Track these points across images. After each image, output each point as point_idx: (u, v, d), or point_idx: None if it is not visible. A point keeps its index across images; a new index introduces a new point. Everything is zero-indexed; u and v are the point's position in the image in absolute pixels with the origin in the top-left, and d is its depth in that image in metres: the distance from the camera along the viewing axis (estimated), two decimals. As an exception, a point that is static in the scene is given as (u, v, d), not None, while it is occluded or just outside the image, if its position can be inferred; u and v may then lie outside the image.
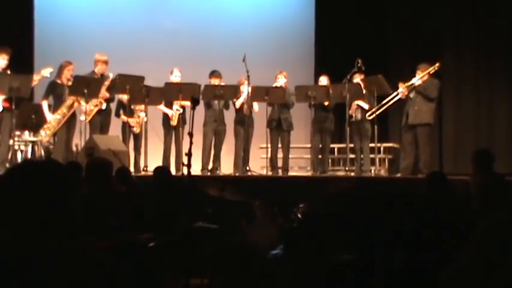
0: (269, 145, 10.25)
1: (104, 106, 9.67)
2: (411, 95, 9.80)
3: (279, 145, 10.43)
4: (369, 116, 10.03)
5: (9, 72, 9.14)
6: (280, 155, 10.49)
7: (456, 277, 2.79)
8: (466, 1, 12.13)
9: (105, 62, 9.81)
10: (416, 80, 9.76)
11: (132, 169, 9.18)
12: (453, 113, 11.91)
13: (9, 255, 1.69)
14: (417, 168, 9.75)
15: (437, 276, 2.95)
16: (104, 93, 9.60)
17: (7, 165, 9.07)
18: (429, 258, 3.80)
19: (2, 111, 9.04)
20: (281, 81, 10.27)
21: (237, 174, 9.97)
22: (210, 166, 10.21)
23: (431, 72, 9.82)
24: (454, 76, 11.86)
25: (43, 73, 9.29)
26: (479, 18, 12.00)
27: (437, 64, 9.83)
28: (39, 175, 1.79)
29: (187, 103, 9.37)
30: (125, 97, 9.82)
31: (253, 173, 10.05)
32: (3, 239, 1.72)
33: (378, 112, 9.94)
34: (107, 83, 9.66)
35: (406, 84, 9.78)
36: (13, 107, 9.00)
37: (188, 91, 9.28)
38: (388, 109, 10.15)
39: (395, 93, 9.88)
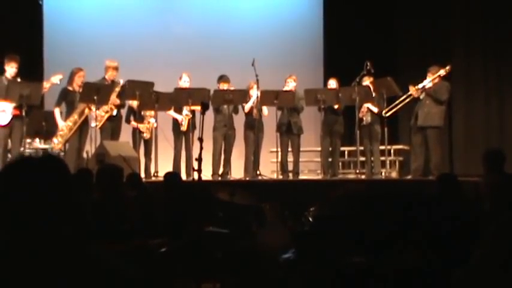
0: (279, 149, 10.24)
1: (114, 112, 9.68)
2: (421, 97, 9.78)
3: (289, 149, 10.42)
4: (386, 113, 9.95)
5: (19, 80, 9.21)
6: (290, 158, 10.48)
7: (469, 278, 2.78)
8: (475, 3, 12.08)
9: (116, 68, 9.82)
10: (427, 83, 9.74)
11: (142, 175, 9.19)
12: (463, 114, 11.86)
13: (18, 259, 1.69)
14: (428, 170, 9.72)
15: (449, 278, 2.94)
16: (114, 99, 9.62)
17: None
18: (441, 259, 3.79)
19: (12, 119, 9.08)
20: (291, 85, 10.26)
21: (247, 179, 9.97)
22: (221, 171, 10.21)
23: (442, 75, 9.80)
24: (463, 78, 11.80)
25: (53, 80, 9.34)
26: (488, 19, 11.94)
27: (448, 67, 9.81)
28: (38, 171, 1.75)
29: (197, 108, 9.39)
30: (134, 103, 9.85)
31: (264, 177, 10.05)
32: (13, 242, 1.70)
33: (394, 109, 9.93)
34: (117, 89, 9.68)
35: (416, 87, 9.76)
36: (23, 114, 9.06)
37: (197, 96, 9.30)
38: (398, 110, 10.12)
39: (407, 95, 9.88)
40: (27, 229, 1.70)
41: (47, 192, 1.72)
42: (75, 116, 9.42)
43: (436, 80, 9.77)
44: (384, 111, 9.97)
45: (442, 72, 9.78)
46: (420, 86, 9.77)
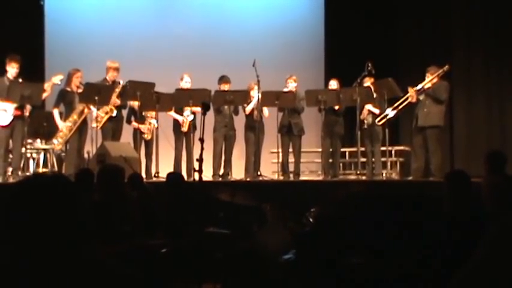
0: (280, 150, 10.24)
1: (114, 113, 9.68)
2: (421, 98, 9.78)
3: (290, 150, 10.42)
4: (379, 121, 10.00)
5: (20, 80, 9.21)
6: (291, 159, 10.48)
7: (468, 279, 2.78)
8: (475, 4, 12.08)
9: (117, 69, 9.83)
10: (426, 83, 9.74)
11: (143, 175, 9.19)
12: (464, 115, 11.86)
13: (21, 267, 1.70)
14: (428, 171, 9.71)
15: (449, 279, 2.93)
16: (115, 100, 9.63)
17: (19, 173, 9.13)
18: (442, 260, 3.78)
19: (13, 120, 9.08)
20: (291, 86, 10.26)
21: (248, 179, 9.97)
22: (221, 171, 10.21)
23: (440, 75, 9.80)
24: (464, 78, 11.81)
25: (54, 80, 9.36)
26: (489, 19, 11.94)
27: (446, 66, 9.81)
28: (47, 188, 1.79)
29: (198, 109, 9.39)
30: (135, 104, 9.85)
31: (265, 178, 10.04)
32: (14, 251, 1.73)
33: (387, 117, 9.93)
34: (117, 89, 9.68)
35: (415, 88, 9.76)
36: (26, 114, 9.08)
37: (198, 97, 9.31)
38: (398, 112, 10.12)
39: (404, 98, 9.87)
40: (31, 244, 1.73)
41: (52, 212, 1.76)
42: (74, 117, 9.43)
43: (435, 80, 9.77)
44: (376, 120, 9.99)
45: (440, 72, 9.78)
46: (419, 87, 9.77)
